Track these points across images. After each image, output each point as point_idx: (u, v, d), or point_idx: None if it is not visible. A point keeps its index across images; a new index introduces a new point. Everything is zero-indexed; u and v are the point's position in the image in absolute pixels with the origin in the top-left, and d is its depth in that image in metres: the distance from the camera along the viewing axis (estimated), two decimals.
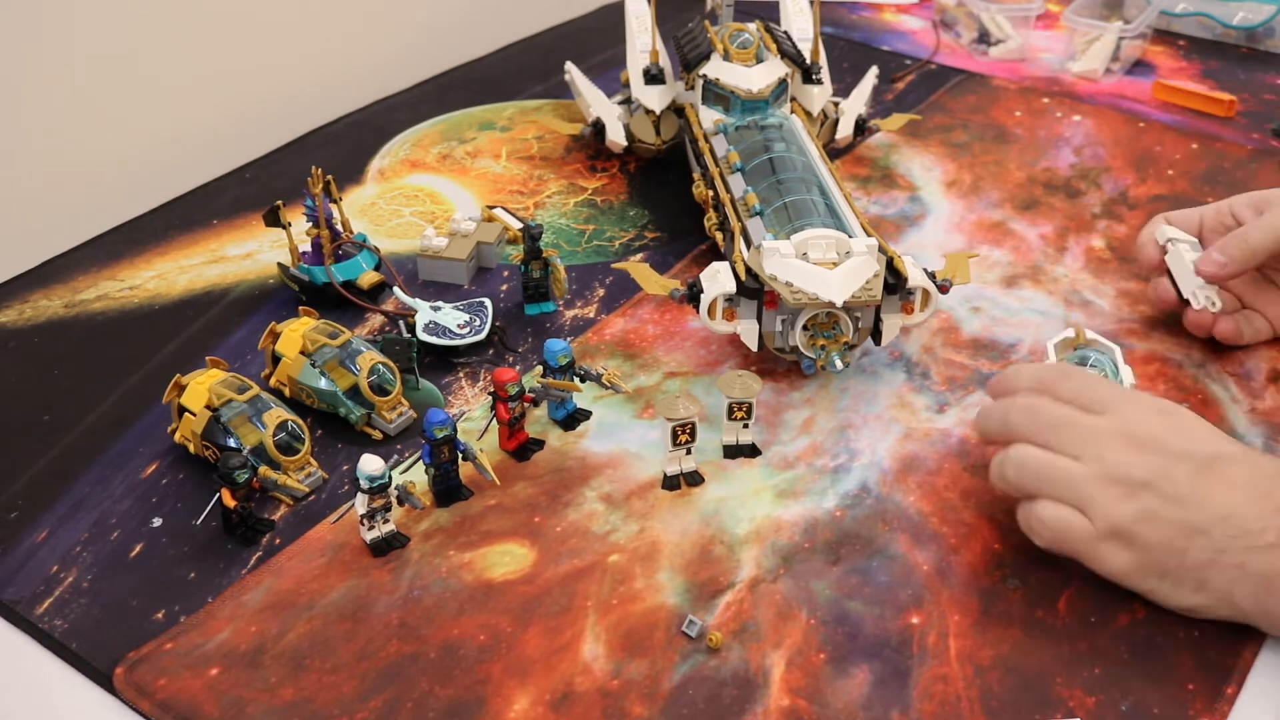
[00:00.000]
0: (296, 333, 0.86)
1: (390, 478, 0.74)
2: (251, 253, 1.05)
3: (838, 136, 1.15)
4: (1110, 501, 0.68)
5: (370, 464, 0.73)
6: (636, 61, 1.12)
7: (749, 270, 0.85)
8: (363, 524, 0.75)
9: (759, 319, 0.87)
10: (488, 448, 0.82)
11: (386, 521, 0.76)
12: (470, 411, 0.87)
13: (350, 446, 0.84)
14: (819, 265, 0.83)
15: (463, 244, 1.01)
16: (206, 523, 0.78)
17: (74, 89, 1.11)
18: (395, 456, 0.83)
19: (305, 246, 0.98)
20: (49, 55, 1.09)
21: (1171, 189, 1.13)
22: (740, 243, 0.90)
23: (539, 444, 0.84)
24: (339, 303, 0.95)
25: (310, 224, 0.96)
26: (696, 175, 1.05)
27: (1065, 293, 0.99)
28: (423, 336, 0.91)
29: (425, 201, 1.12)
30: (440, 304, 0.94)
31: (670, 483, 0.81)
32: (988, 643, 0.70)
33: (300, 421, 0.81)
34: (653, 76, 1.10)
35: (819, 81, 1.10)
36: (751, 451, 0.83)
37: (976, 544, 0.76)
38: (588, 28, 1.48)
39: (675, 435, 0.79)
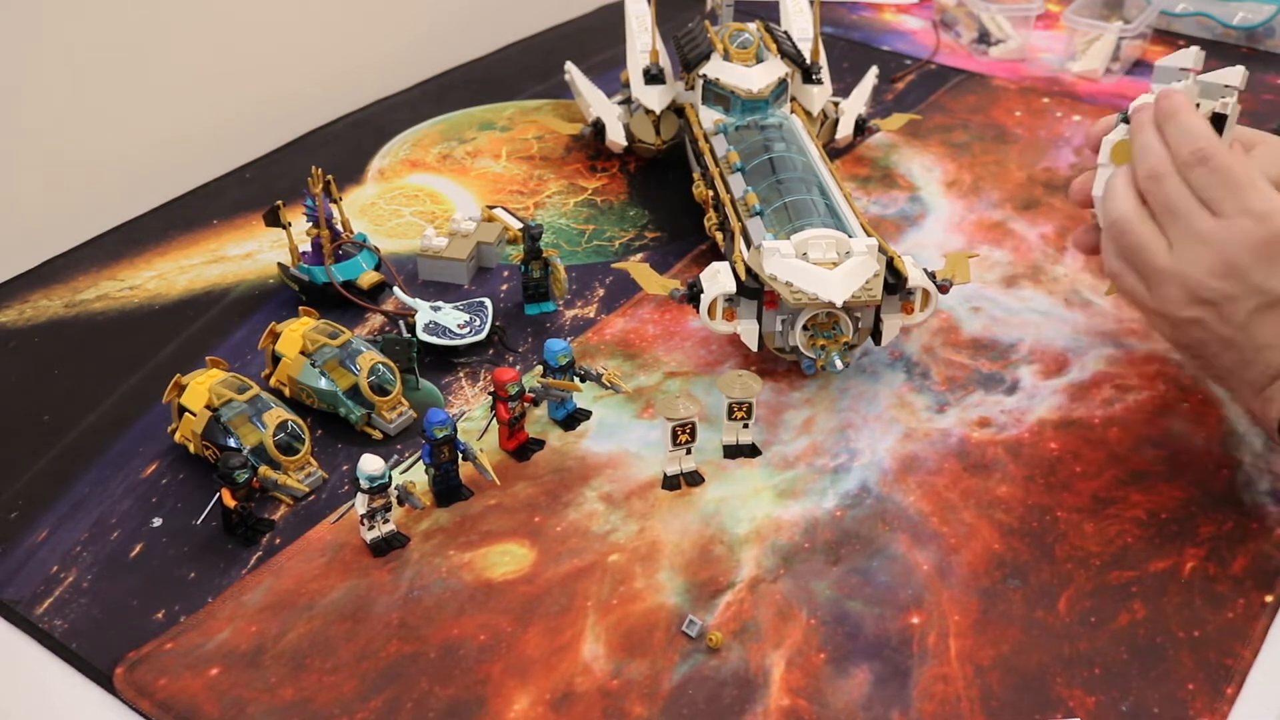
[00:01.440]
0: (296, 333, 0.86)
1: (390, 478, 0.74)
2: (251, 253, 1.05)
3: (838, 136, 1.15)
4: (1172, 299, 0.75)
5: (370, 464, 0.73)
6: (636, 61, 1.13)
7: (749, 270, 0.85)
8: (363, 524, 0.75)
9: (759, 319, 0.87)
10: (488, 448, 0.82)
11: (386, 521, 0.76)
12: (470, 411, 0.87)
13: (350, 446, 0.84)
14: (819, 265, 0.83)
15: (463, 244, 1.01)
16: (206, 523, 0.78)
17: (74, 89, 1.11)
18: (395, 456, 0.83)
19: (305, 246, 0.98)
20: (49, 55, 1.09)
21: None
22: (740, 243, 0.90)
23: (539, 444, 0.84)
24: (339, 303, 0.95)
25: (310, 224, 0.96)
26: (696, 175, 1.05)
27: (1065, 292, 0.99)
28: (423, 336, 0.91)
29: (425, 201, 1.12)
30: (440, 304, 0.94)
31: (670, 483, 0.81)
32: (988, 643, 0.70)
33: (300, 421, 0.81)
34: (653, 76, 1.10)
35: (819, 81, 1.10)
36: (751, 451, 0.83)
37: (976, 544, 0.76)
38: (588, 28, 1.48)
39: (675, 435, 0.79)
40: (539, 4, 1.51)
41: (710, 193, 0.99)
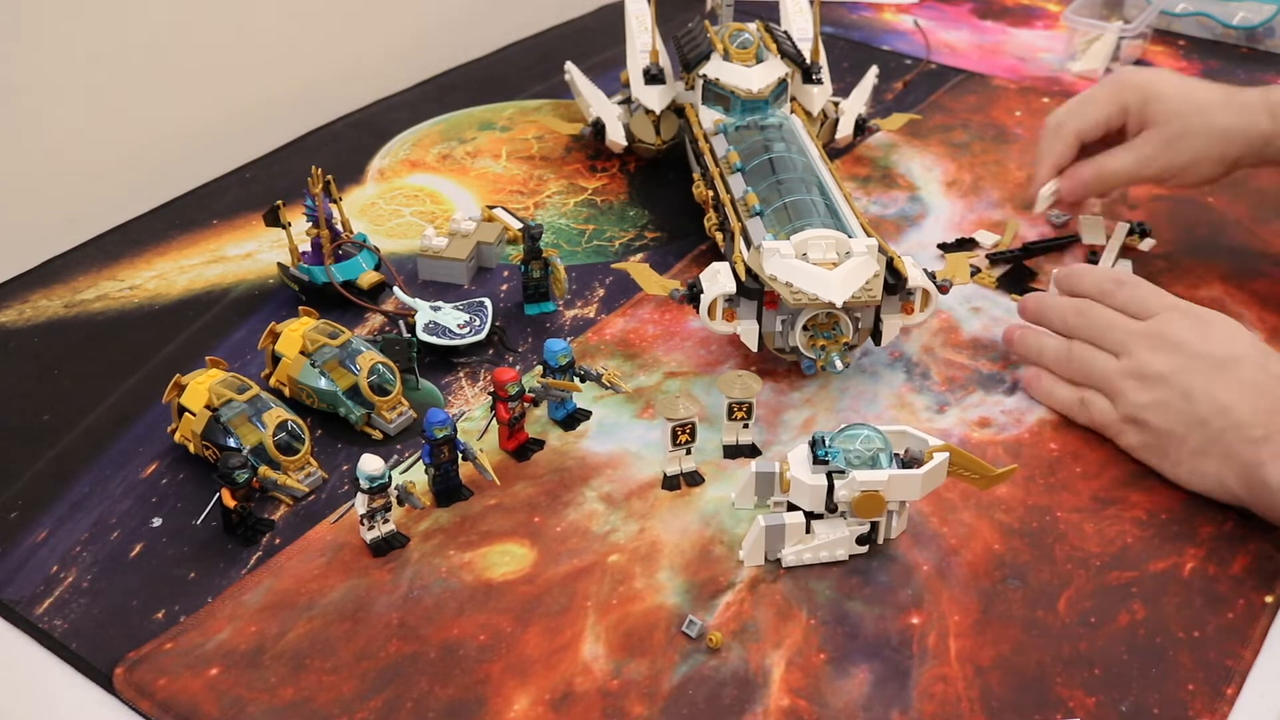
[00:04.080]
0: (296, 333, 0.86)
1: (390, 478, 0.74)
2: (251, 253, 1.05)
3: (838, 136, 1.15)
4: (1131, 391, 0.80)
5: (370, 464, 0.73)
6: (636, 61, 1.12)
7: (749, 270, 0.85)
8: (363, 524, 0.75)
9: (759, 319, 0.87)
10: (488, 448, 0.82)
11: (386, 521, 0.76)
12: (470, 411, 0.87)
13: (350, 446, 0.84)
14: (819, 265, 0.83)
15: (463, 244, 1.01)
16: (206, 523, 0.78)
17: (74, 88, 1.11)
18: (395, 456, 0.83)
19: (305, 246, 0.98)
20: (49, 55, 1.09)
21: (1171, 189, 1.13)
22: (740, 243, 0.90)
23: (539, 444, 0.84)
24: (339, 303, 0.95)
25: (310, 224, 0.96)
26: (696, 175, 1.05)
27: None
28: (423, 336, 0.91)
29: (425, 201, 1.12)
30: (440, 304, 0.94)
31: (670, 483, 0.81)
32: (988, 643, 0.70)
33: (300, 421, 0.81)
34: (653, 76, 1.10)
35: (819, 81, 1.10)
36: (751, 451, 0.83)
37: (976, 544, 0.76)
38: (588, 28, 1.48)
39: (675, 435, 0.79)
40: (539, 4, 1.51)
41: (710, 193, 0.99)
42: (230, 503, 0.75)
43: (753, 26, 1.08)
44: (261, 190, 1.14)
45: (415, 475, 0.81)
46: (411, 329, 0.92)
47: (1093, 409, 0.82)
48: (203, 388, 0.81)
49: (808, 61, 1.09)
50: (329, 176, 0.95)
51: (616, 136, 1.13)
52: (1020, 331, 0.89)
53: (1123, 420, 0.81)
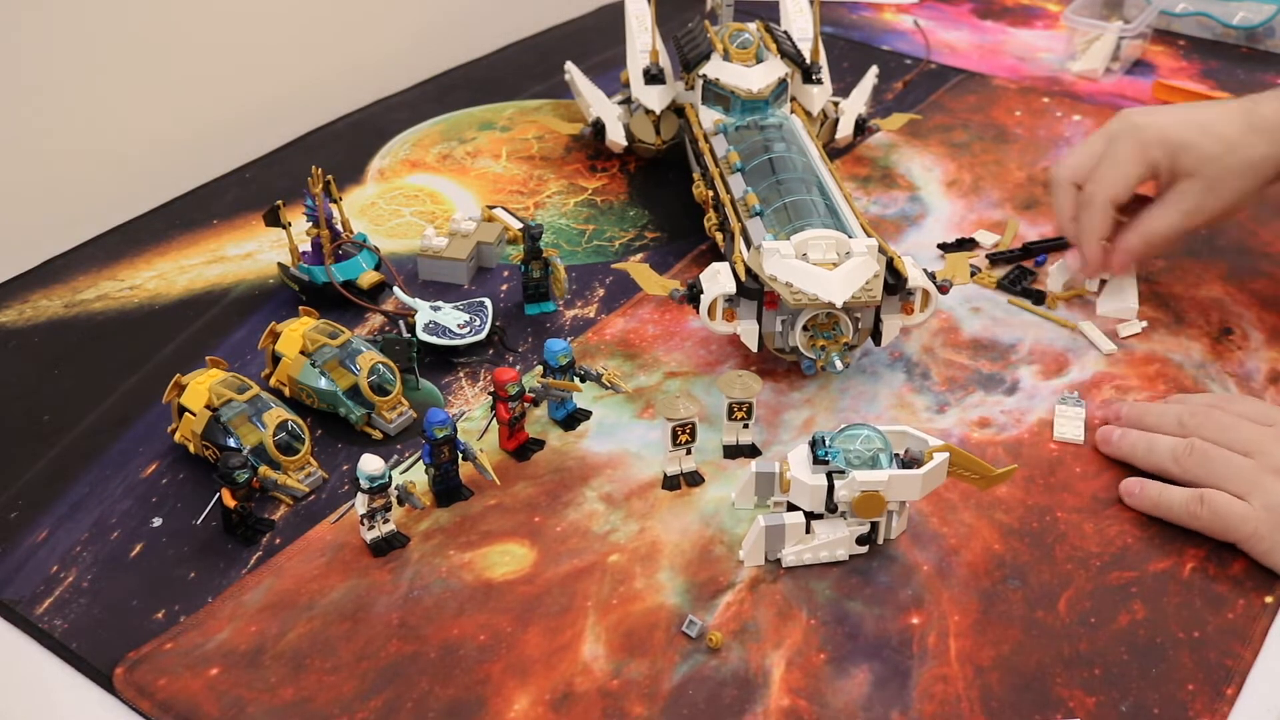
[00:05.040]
0: (296, 333, 0.86)
1: (390, 478, 0.74)
2: (251, 253, 1.05)
3: (838, 136, 1.15)
4: (1272, 486, 0.75)
5: (370, 464, 0.73)
6: (636, 61, 1.12)
7: (749, 270, 0.85)
8: (363, 524, 0.75)
9: (759, 319, 0.87)
10: (488, 448, 0.82)
11: (386, 521, 0.76)
12: (470, 411, 0.87)
13: (350, 446, 0.84)
14: (819, 266, 0.83)
15: (463, 244, 1.01)
16: (206, 523, 0.78)
17: (74, 89, 1.11)
18: (395, 456, 0.83)
19: (305, 246, 0.98)
20: (49, 55, 1.09)
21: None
22: (740, 243, 0.90)
23: (539, 444, 0.84)
24: (339, 303, 0.95)
25: (310, 224, 0.96)
26: (696, 175, 1.05)
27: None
28: (423, 336, 0.91)
29: (425, 201, 1.12)
30: (440, 304, 0.94)
31: (670, 483, 0.81)
32: (988, 643, 0.70)
33: (300, 421, 0.81)
34: (653, 76, 1.10)
35: (819, 81, 1.10)
36: (751, 451, 0.83)
37: (976, 544, 0.76)
38: (588, 28, 1.48)
39: (675, 435, 0.79)
40: (539, 4, 1.51)
41: (710, 193, 0.99)
42: (230, 503, 0.75)
43: (753, 26, 1.08)
44: (261, 190, 1.14)
45: (415, 475, 0.81)
46: (411, 329, 0.92)
47: (1215, 504, 0.76)
48: (203, 388, 0.81)
49: (808, 61, 1.09)
50: (329, 176, 0.95)
51: (616, 136, 1.13)
52: (1122, 431, 0.83)
53: (1259, 517, 0.75)
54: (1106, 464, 0.82)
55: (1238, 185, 0.91)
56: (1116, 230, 0.95)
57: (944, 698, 0.67)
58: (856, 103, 1.17)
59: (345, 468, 0.82)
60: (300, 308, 0.90)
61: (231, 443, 0.79)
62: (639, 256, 1.04)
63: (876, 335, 0.88)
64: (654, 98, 1.10)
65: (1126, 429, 0.83)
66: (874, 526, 0.74)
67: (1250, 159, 0.91)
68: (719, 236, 0.98)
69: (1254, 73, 1.37)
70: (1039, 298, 0.97)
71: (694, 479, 0.81)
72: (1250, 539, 0.75)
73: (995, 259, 1.02)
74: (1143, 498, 0.79)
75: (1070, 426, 0.85)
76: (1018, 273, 1.00)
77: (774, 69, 1.04)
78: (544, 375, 0.85)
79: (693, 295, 0.87)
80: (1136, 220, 0.94)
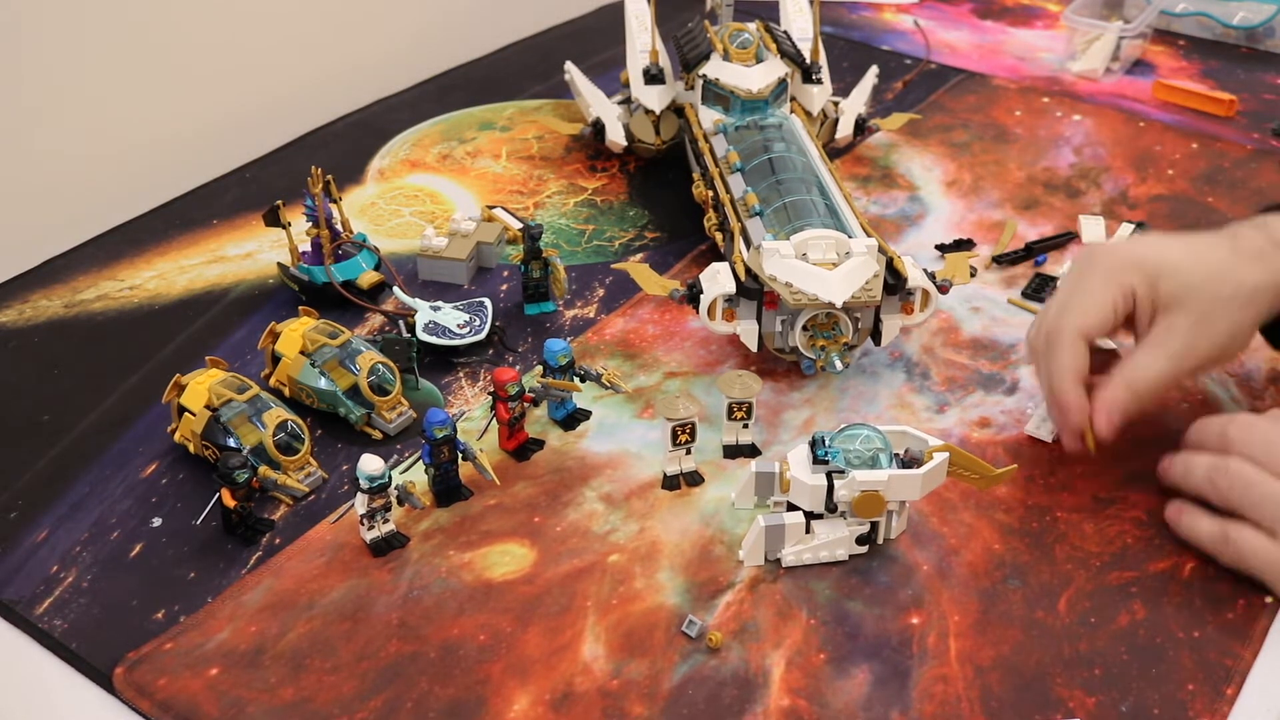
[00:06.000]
0: (296, 333, 0.86)
1: (390, 478, 0.74)
2: (251, 253, 1.05)
3: (838, 136, 1.15)
4: None
5: (370, 464, 0.73)
6: (636, 61, 1.12)
7: (749, 270, 0.85)
8: (363, 524, 0.75)
9: (759, 319, 0.87)
10: (488, 448, 0.82)
11: (386, 521, 0.76)
12: (470, 411, 0.87)
13: (350, 446, 0.84)
14: (819, 266, 0.83)
15: (463, 244, 1.01)
16: (206, 523, 0.78)
17: (74, 88, 1.11)
18: (395, 456, 0.83)
19: (305, 246, 0.98)
20: (49, 55, 1.09)
21: (1171, 189, 1.13)
22: (740, 243, 0.90)
23: (539, 444, 0.84)
24: (339, 303, 0.95)
25: (310, 224, 0.96)
26: (696, 175, 1.05)
27: None
28: (423, 336, 0.91)
29: (425, 201, 1.12)
30: (440, 304, 0.94)
31: (670, 483, 0.81)
32: (988, 643, 0.70)
33: (300, 421, 0.81)
34: (653, 76, 1.10)
35: (819, 81, 1.10)
36: (751, 451, 0.83)
37: (976, 544, 0.76)
38: (588, 28, 1.48)
39: (675, 435, 0.79)
40: (539, 4, 1.51)
41: (710, 193, 0.99)
42: (230, 503, 0.75)
43: (753, 26, 1.08)
44: (261, 190, 1.14)
45: (415, 475, 0.81)
46: (411, 329, 0.92)
47: (1240, 544, 0.72)
48: (203, 388, 0.81)
49: (808, 61, 1.09)
50: (329, 176, 0.95)
51: (616, 136, 1.13)
52: (1167, 460, 0.78)
53: None
54: (1107, 464, 0.82)
55: (1233, 317, 0.78)
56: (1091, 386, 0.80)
57: (944, 698, 0.67)
58: (856, 103, 1.17)
59: (345, 468, 0.82)
60: (300, 308, 0.90)
61: (231, 443, 0.79)
62: (639, 256, 1.04)
63: (876, 335, 0.88)
64: (654, 98, 1.10)
65: (1169, 462, 0.78)
66: (874, 526, 0.74)
67: (1243, 286, 0.77)
68: (719, 236, 0.98)
69: (1254, 73, 1.37)
70: None
71: (694, 479, 0.81)
72: (1277, 582, 0.72)
73: (1001, 260, 1.02)
74: (1177, 526, 0.76)
75: (1046, 426, 0.84)
76: (1039, 281, 1.00)
77: (774, 69, 1.04)
78: (544, 375, 0.85)
79: (693, 295, 0.87)
80: (1116, 369, 0.79)
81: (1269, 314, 0.80)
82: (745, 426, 0.83)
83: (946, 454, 0.72)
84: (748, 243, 0.89)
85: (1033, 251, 1.03)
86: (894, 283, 0.85)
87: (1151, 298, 0.78)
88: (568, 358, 0.83)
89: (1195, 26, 1.45)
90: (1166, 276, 0.77)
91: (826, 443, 0.72)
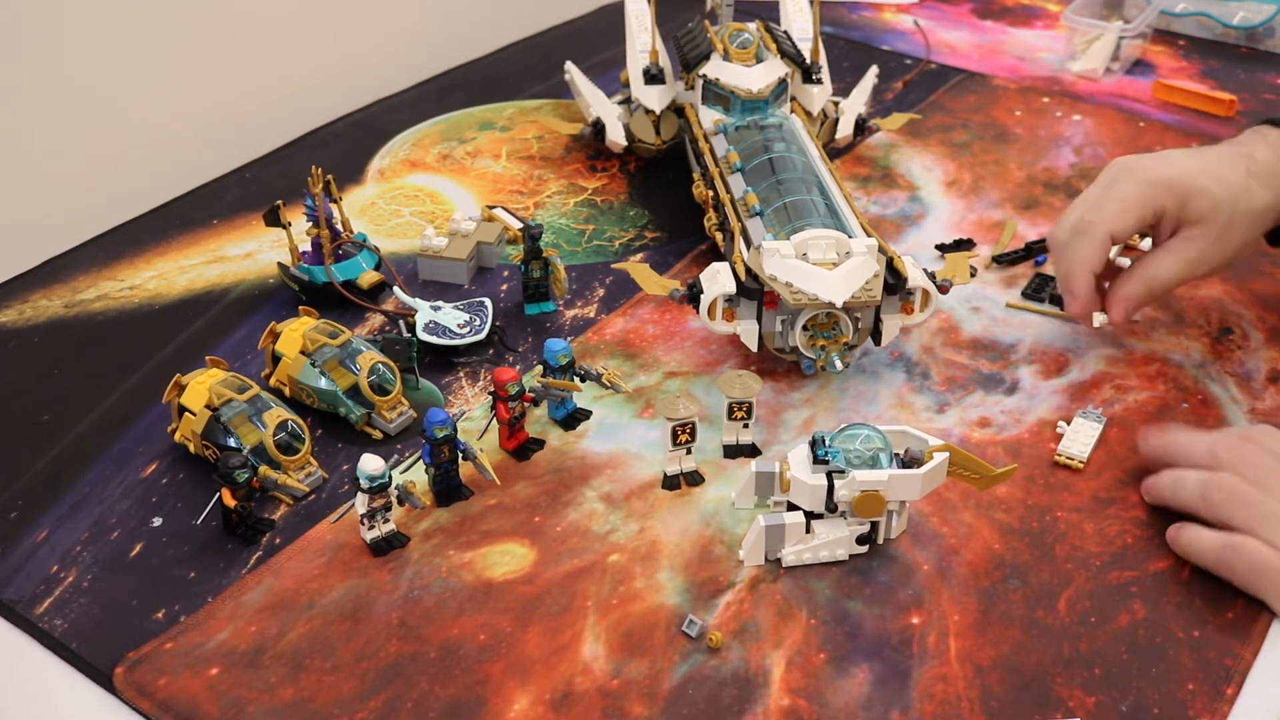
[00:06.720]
0: (296, 332, 0.86)
1: (390, 477, 0.74)
2: (251, 253, 1.05)
3: (838, 136, 1.15)
4: None
5: (370, 464, 0.73)
6: (636, 61, 1.12)
7: (749, 270, 0.85)
8: (363, 524, 0.75)
9: (759, 319, 0.87)
10: (488, 447, 0.82)
11: (386, 521, 0.76)
12: (470, 411, 0.87)
13: (350, 446, 0.84)
14: (819, 265, 0.83)
15: (463, 244, 1.01)
16: (206, 523, 0.78)
17: (74, 89, 1.11)
18: (395, 456, 0.83)
19: (305, 246, 0.98)
20: (49, 55, 1.09)
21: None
22: (740, 243, 0.90)
23: (539, 444, 0.84)
24: (339, 303, 0.95)
25: (310, 224, 0.96)
26: (696, 175, 1.05)
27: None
28: (423, 336, 0.91)
29: (425, 201, 1.12)
30: (440, 304, 0.94)
31: (670, 483, 0.81)
32: (988, 642, 0.70)
33: (300, 421, 0.81)
34: (653, 76, 1.10)
35: (819, 81, 1.10)
36: (751, 451, 0.83)
37: (976, 544, 0.76)
38: (588, 28, 1.48)
39: (675, 435, 0.79)
40: (539, 4, 1.51)
41: (710, 193, 0.99)
42: (230, 502, 0.75)
43: (753, 26, 1.08)
44: (261, 190, 1.14)
45: (415, 475, 0.81)
46: (411, 329, 0.92)
47: (1249, 555, 0.72)
48: (203, 387, 0.81)
49: (808, 61, 1.09)
50: (329, 176, 0.95)
51: (616, 136, 1.13)
52: (1152, 479, 0.79)
53: None
54: (1106, 464, 0.82)
55: (1242, 235, 0.88)
56: (1110, 280, 0.90)
57: (944, 698, 0.67)
58: (856, 103, 1.17)
59: (345, 468, 0.82)
60: (300, 308, 0.90)
61: (231, 442, 0.79)
62: (639, 256, 1.04)
63: (876, 335, 0.88)
64: (654, 98, 1.10)
65: (1155, 479, 0.79)
66: (874, 526, 0.74)
67: (1253, 207, 0.87)
68: (719, 236, 0.98)
69: (1254, 73, 1.37)
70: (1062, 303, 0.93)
71: (694, 479, 0.81)
72: None
73: (1002, 260, 1.02)
74: (1177, 543, 0.75)
75: (1079, 443, 0.83)
76: (1039, 281, 1.00)
77: (774, 69, 1.04)
78: (544, 375, 0.85)
79: (693, 295, 0.87)
80: (1138, 265, 0.88)
81: (1274, 225, 0.91)
82: (745, 426, 0.83)
83: (946, 454, 0.72)
84: (748, 243, 0.89)
85: (1033, 251, 1.04)
86: (894, 283, 0.85)
87: (1178, 215, 0.87)
88: (568, 357, 0.83)
89: (1195, 26, 1.45)
90: (1194, 198, 0.86)
91: (827, 442, 0.72)
